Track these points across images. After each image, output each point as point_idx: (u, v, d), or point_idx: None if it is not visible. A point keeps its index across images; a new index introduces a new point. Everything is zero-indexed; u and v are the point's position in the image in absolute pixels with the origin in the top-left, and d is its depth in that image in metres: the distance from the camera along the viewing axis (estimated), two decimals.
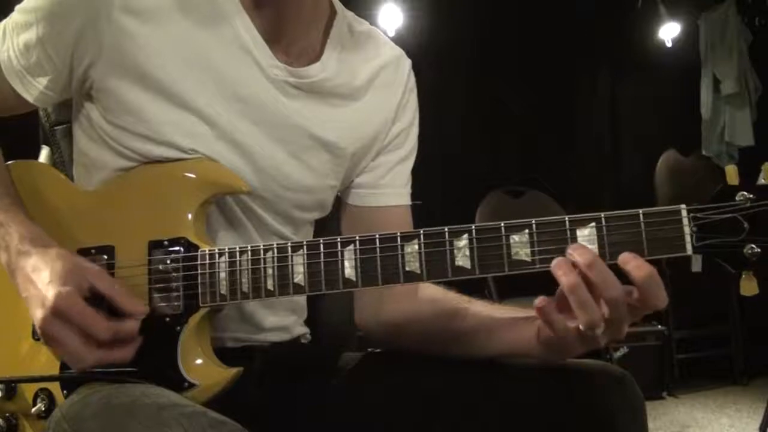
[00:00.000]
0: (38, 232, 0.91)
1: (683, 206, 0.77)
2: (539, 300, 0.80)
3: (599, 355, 3.27)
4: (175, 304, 0.89)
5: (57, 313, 0.82)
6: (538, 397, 0.91)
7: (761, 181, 0.77)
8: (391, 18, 3.80)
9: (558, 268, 0.78)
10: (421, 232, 0.83)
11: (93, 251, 0.93)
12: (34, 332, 0.93)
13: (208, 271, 0.89)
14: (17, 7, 0.97)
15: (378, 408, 0.98)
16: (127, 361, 0.86)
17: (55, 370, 0.90)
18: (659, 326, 3.71)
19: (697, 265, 3.68)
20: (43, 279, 0.84)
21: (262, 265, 0.88)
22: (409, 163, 1.13)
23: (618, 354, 3.53)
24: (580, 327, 0.78)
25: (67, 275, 0.84)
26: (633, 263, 0.76)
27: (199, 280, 0.89)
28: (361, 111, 1.07)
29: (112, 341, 0.84)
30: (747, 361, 4.02)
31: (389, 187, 1.10)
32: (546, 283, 0.81)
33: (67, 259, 0.86)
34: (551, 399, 0.90)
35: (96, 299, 0.85)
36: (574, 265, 0.77)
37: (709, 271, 3.66)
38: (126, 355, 0.86)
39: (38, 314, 0.83)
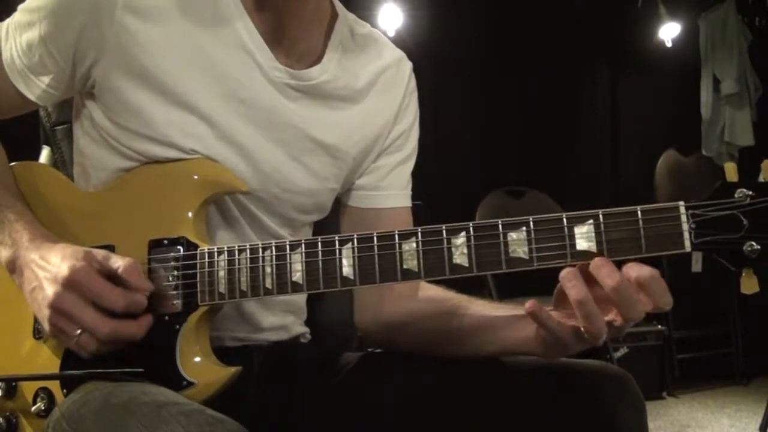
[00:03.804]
0: (47, 233, 0.92)
1: (681, 203, 0.77)
2: (529, 304, 0.80)
3: (599, 355, 3.27)
4: (175, 302, 0.90)
5: (71, 285, 0.82)
6: (538, 397, 0.91)
7: (761, 179, 0.77)
8: (391, 18, 3.80)
9: (567, 280, 0.78)
10: (419, 230, 0.83)
11: None
12: (34, 331, 0.93)
13: (207, 269, 0.89)
14: (20, 7, 0.98)
15: (378, 408, 0.98)
16: (139, 336, 0.86)
17: (55, 369, 0.90)
18: (659, 326, 3.70)
19: (697, 265, 3.68)
20: (54, 261, 0.85)
21: (260, 264, 0.88)
22: (410, 165, 1.14)
23: (618, 354, 3.53)
24: (585, 336, 0.78)
25: (78, 254, 0.85)
26: (635, 270, 0.76)
27: (198, 279, 0.89)
28: (362, 113, 1.07)
29: (123, 316, 0.85)
30: (747, 361, 4.02)
31: (390, 189, 1.10)
32: (545, 281, 0.81)
33: (76, 246, 0.88)
34: (551, 399, 0.90)
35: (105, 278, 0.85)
36: (593, 279, 0.77)
37: (709, 271, 3.67)
38: (137, 330, 0.86)
39: (50, 291, 0.83)
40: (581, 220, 0.79)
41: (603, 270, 0.77)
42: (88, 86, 0.97)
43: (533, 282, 0.81)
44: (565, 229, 0.79)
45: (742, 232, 0.75)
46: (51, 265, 0.84)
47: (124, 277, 0.85)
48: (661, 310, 0.78)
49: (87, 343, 0.84)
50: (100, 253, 0.87)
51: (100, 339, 0.83)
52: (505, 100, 4.18)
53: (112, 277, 0.85)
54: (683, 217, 0.76)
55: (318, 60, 1.03)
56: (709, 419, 3.33)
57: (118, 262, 0.86)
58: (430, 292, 1.05)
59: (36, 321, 0.92)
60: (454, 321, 0.99)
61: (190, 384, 0.87)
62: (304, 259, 0.86)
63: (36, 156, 1.24)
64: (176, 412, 0.72)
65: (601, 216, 0.78)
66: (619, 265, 0.77)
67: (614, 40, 4.33)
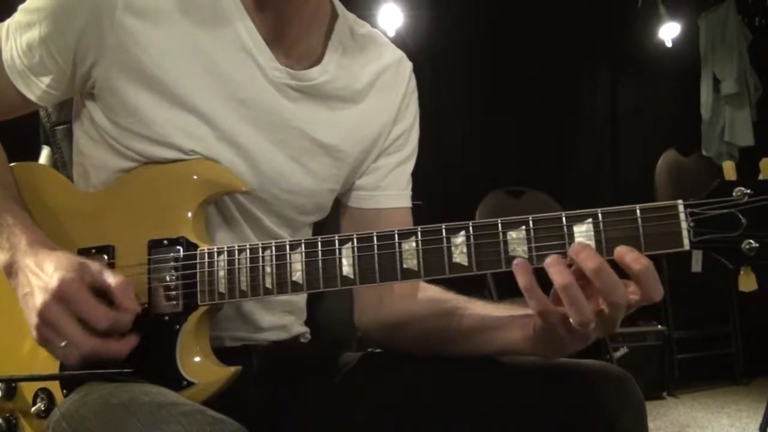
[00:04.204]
0: (44, 238, 0.92)
1: (680, 201, 0.77)
2: (517, 260, 0.79)
3: (599, 355, 3.27)
4: (175, 302, 0.90)
5: (59, 297, 0.82)
6: (538, 397, 0.91)
7: (761, 178, 0.77)
8: (391, 18, 3.80)
9: (551, 266, 0.77)
10: (419, 229, 0.83)
11: (93, 251, 0.93)
12: None
13: (207, 269, 0.89)
14: (20, 7, 0.98)
15: (378, 408, 0.98)
16: (122, 356, 0.86)
17: (54, 370, 0.90)
18: (659, 326, 3.71)
19: (697, 265, 3.68)
20: (47, 270, 0.85)
21: (260, 264, 0.88)
22: (410, 166, 1.14)
23: (618, 354, 3.53)
24: (573, 324, 0.78)
25: (72, 266, 0.85)
26: (630, 257, 0.76)
27: (198, 279, 0.89)
28: (361, 114, 1.07)
29: (108, 333, 0.85)
30: (747, 361, 4.02)
31: (389, 189, 1.10)
32: (545, 281, 0.81)
33: (72, 256, 0.88)
34: (551, 399, 0.90)
35: (96, 294, 0.85)
36: (580, 268, 0.77)
37: (708, 271, 3.67)
38: (120, 349, 0.86)
39: (39, 300, 0.83)
40: (580, 219, 0.79)
41: (582, 254, 0.76)
42: (88, 86, 0.97)
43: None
44: (565, 228, 0.79)
45: (741, 230, 0.75)
46: (44, 274, 0.85)
47: (114, 295, 0.85)
48: (652, 300, 0.78)
49: (71, 355, 0.84)
50: (94, 267, 0.87)
51: (83, 354, 0.84)
52: (505, 99, 4.18)
53: (103, 292, 0.85)
54: (682, 216, 0.76)
55: (318, 60, 1.03)
56: (709, 419, 3.33)
57: (110, 279, 0.86)
58: (429, 292, 1.05)
59: None
60: (453, 321, 0.99)
61: (190, 384, 0.87)
62: (303, 258, 0.86)
63: (36, 156, 1.24)
64: (176, 413, 0.72)
65: (600, 215, 0.78)
66: (614, 265, 0.77)
67: (614, 40, 4.33)
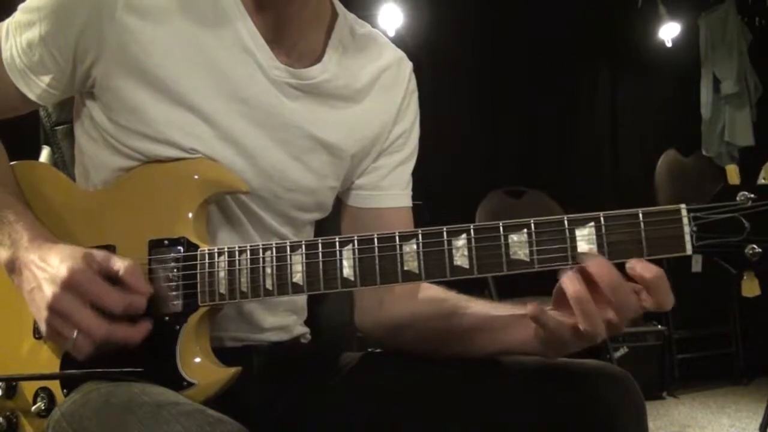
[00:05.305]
0: (47, 233, 0.92)
1: (683, 206, 0.77)
2: (531, 309, 0.81)
3: (599, 355, 3.27)
4: (175, 303, 0.90)
5: (70, 285, 0.82)
6: (538, 397, 0.91)
7: (761, 180, 0.77)
8: (391, 18, 3.80)
9: (567, 279, 0.78)
10: (420, 231, 0.83)
11: None
12: (35, 331, 0.93)
13: (207, 270, 0.89)
14: (20, 6, 0.98)
15: (377, 408, 0.98)
16: (136, 341, 0.85)
17: (55, 369, 0.90)
18: (659, 326, 3.71)
19: (697, 266, 3.68)
20: (53, 262, 0.84)
21: (260, 265, 0.88)
22: (410, 166, 1.14)
23: (618, 354, 3.53)
24: (583, 334, 0.78)
25: (78, 255, 0.85)
26: (641, 265, 0.77)
27: (199, 280, 0.89)
28: (361, 113, 1.07)
29: (121, 318, 0.84)
30: (747, 361, 4.02)
31: (390, 189, 1.10)
32: (545, 281, 0.81)
33: (75, 247, 0.88)
34: (551, 399, 0.90)
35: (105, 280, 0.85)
36: (592, 280, 0.77)
37: (709, 271, 3.67)
38: (135, 334, 0.85)
39: (49, 292, 0.83)
40: (582, 223, 0.79)
41: (602, 269, 0.77)
42: (88, 85, 0.97)
43: (533, 282, 0.81)
44: (566, 231, 0.79)
45: (744, 235, 0.75)
46: (50, 266, 0.84)
47: (125, 279, 0.85)
48: (663, 308, 0.78)
49: (83, 346, 0.83)
50: (100, 254, 0.86)
51: (96, 341, 0.83)
52: (505, 100, 4.18)
53: (112, 278, 0.85)
54: (685, 220, 0.76)
55: (318, 59, 1.03)
56: (709, 419, 3.33)
57: (118, 264, 0.85)
58: (430, 292, 1.05)
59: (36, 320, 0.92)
60: (453, 321, 0.99)
61: (190, 384, 0.87)
62: (304, 260, 0.86)
63: (36, 156, 1.24)
64: (176, 412, 0.72)
65: (602, 218, 0.78)
66: (619, 267, 0.77)
67: (614, 40, 4.33)
